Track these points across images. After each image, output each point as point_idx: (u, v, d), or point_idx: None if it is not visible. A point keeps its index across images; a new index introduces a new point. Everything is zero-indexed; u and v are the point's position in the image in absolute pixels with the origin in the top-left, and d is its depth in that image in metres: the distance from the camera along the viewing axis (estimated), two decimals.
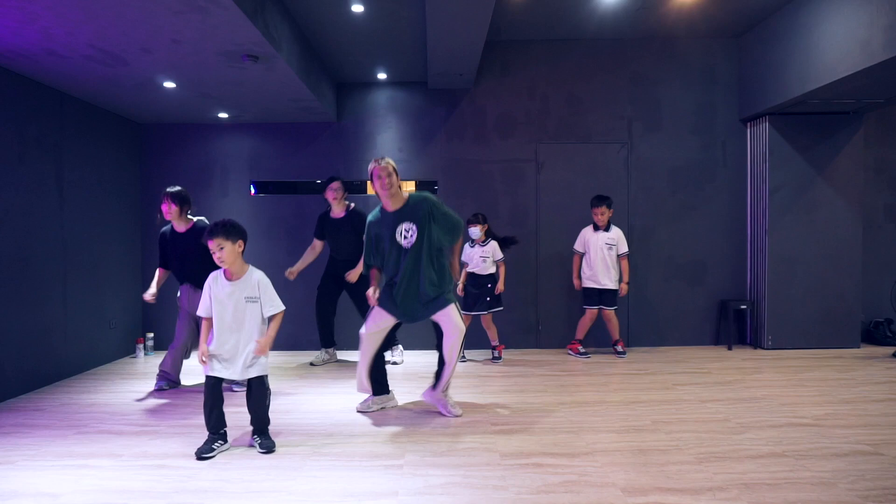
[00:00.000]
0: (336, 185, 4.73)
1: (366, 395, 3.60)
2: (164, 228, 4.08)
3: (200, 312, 2.90)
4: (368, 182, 5.79)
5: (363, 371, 3.53)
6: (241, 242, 2.86)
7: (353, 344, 5.49)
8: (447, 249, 3.53)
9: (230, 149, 5.67)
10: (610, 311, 5.06)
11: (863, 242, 5.40)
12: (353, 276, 4.61)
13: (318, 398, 3.86)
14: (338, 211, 4.79)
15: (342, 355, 5.34)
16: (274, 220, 5.61)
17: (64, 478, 2.58)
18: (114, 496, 2.39)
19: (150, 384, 4.20)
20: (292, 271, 4.71)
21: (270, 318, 2.93)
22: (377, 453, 2.84)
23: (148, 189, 5.59)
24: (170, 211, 3.91)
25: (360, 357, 3.53)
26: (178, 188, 3.96)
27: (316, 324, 5.01)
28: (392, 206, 3.39)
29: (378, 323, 3.46)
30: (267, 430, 2.99)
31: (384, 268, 3.48)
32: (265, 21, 3.57)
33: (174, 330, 4.14)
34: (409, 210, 3.38)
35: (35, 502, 2.35)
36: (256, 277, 2.90)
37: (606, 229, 5.03)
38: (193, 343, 4.06)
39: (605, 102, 5.56)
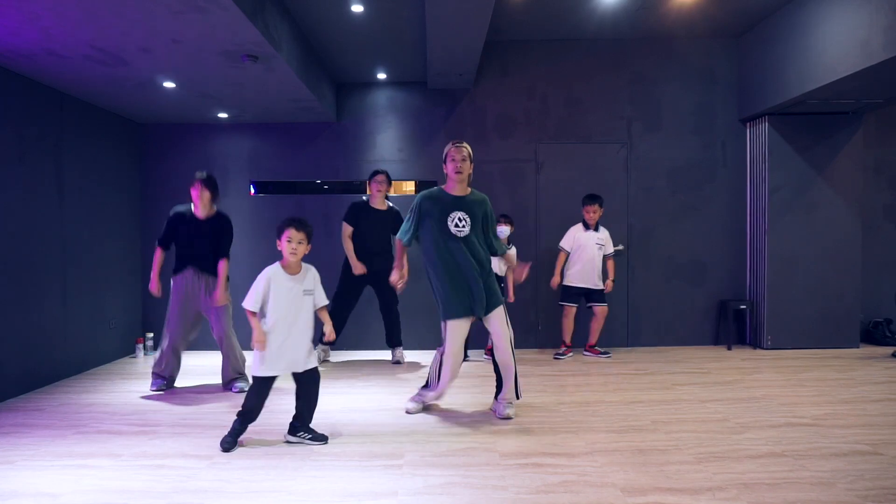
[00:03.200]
0: (381, 177, 4.80)
1: (416, 403, 3.56)
2: (181, 208, 4.01)
3: (247, 304, 2.90)
4: (367, 182, 5.85)
5: (445, 387, 3.49)
6: (310, 246, 2.99)
7: (357, 344, 5.54)
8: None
9: (230, 149, 5.67)
10: (602, 308, 5.06)
11: (862, 242, 5.41)
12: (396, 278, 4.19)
13: (318, 398, 3.85)
14: (379, 203, 4.84)
15: (343, 356, 5.35)
16: (274, 220, 5.52)
17: (64, 478, 2.58)
18: (113, 496, 2.39)
19: (150, 384, 4.18)
20: (358, 268, 4.75)
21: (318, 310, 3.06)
22: (377, 453, 2.84)
23: (148, 189, 5.59)
24: (201, 196, 3.91)
25: (443, 375, 3.42)
26: (208, 174, 3.98)
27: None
28: (456, 190, 3.38)
29: (458, 335, 3.36)
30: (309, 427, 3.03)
31: (437, 260, 3.34)
32: (265, 21, 3.57)
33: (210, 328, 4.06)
34: (470, 202, 3.37)
35: (35, 502, 2.35)
36: (312, 272, 3.02)
37: (596, 229, 5.06)
38: (184, 337, 4.03)
39: (605, 102, 5.56)
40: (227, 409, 3.56)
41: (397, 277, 3.52)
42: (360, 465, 2.69)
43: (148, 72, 4.11)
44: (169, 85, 4.42)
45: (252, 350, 2.93)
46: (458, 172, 3.31)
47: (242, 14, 3.16)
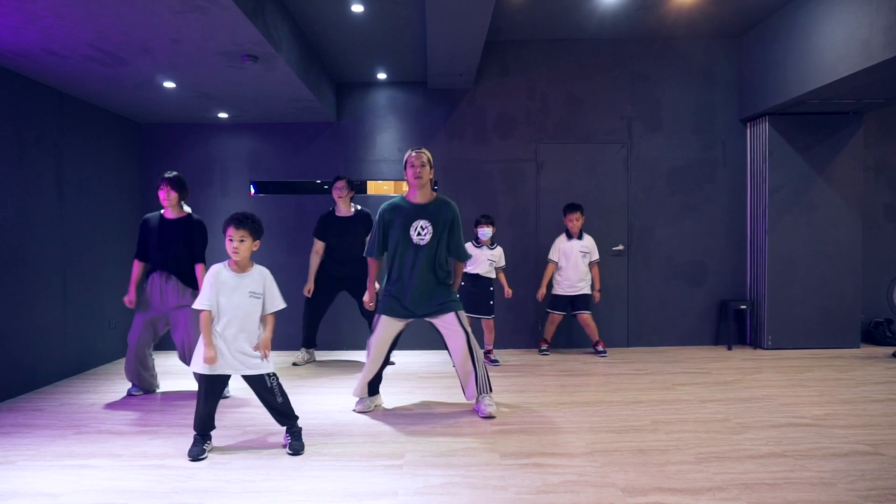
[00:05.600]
0: (341, 183, 4.79)
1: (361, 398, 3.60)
2: (149, 215, 3.94)
3: (200, 304, 2.80)
4: (369, 181, 5.86)
5: (367, 378, 3.54)
6: (258, 242, 2.88)
7: (355, 344, 5.54)
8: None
9: (230, 149, 5.67)
10: (586, 316, 5.13)
11: (863, 242, 5.41)
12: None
13: (318, 398, 3.86)
14: (344, 210, 4.84)
15: (343, 355, 5.35)
16: (274, 220, 5.61)
17: (64, 478, 2.58)
18: (114, 496, 2.39)
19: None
20: (309, 288, 4.80)
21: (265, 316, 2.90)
22: (377, 453, 2.84)
23: (148, 189, 5.59)
24: (167, 197, 3.80)
25: (367, 364, 3.52)
26: (175, 174, 3.85)
27: (302, 322, 4.99)
28: (418, 198, 3.42)
29: (386, 331, 3.46)
30: (294, 425, 2.93)
31: (390, 263, 3.46)
32: (265, 21, 3.57)
33: (171, 331, 3.93)
34: (432, 209, 3.40)
35: (35, 502, 2.35)
36: (262, 273, 2.89)
37: (579, 237, 5.12)
38: (144, 341, 3.87)
39: (605, 102, 5.56)
40: (227, 410, 3.56)
41: (370, 299, 3.57)
42: (360, 466, 2.68)
43: (148, 72, 4.11)
44: (169, 85, 4.42)
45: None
46: (418, 178, 3.36)
47: (242, 14, 3.16)
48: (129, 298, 3.85)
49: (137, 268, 3.91)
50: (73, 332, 4.59)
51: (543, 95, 5.56)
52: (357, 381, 3.62)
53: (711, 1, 4.72)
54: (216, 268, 2.85)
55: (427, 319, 3.47)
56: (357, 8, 4.11)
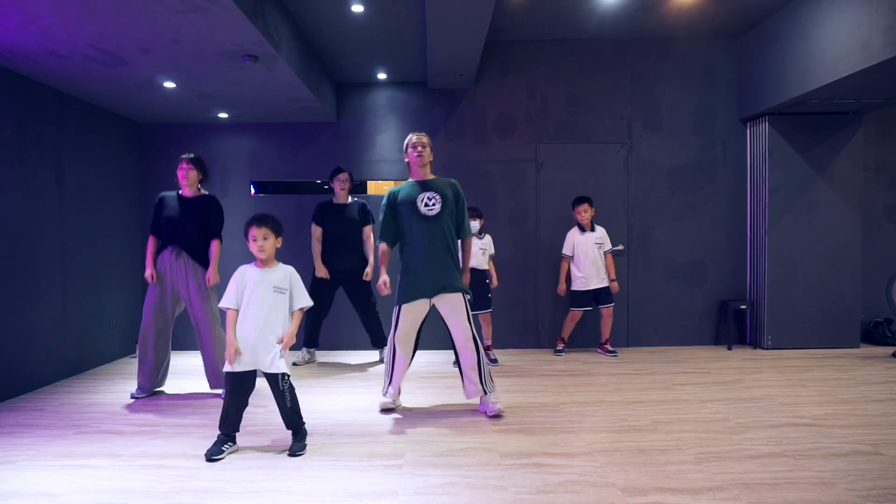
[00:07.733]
0: (344, 175, 4.87)
1: (388, 399, 3.57)
2: (165, 193, 3.95)
3: (225, 303, 2.84)
4: (369, 181, 5.86)
5: (400, 376, 3.53)
6: (280, 239, 2.92)
7: (354, 344, 5.54)
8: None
9: (230, 149, 5.67)
10: (609, 309, 5.11)
11: (862, 242, 5.41)
12: (370, 275, 4.80)
13: (318, 398, 3.86)
14: (343, 199, 4.91)
15: (343, 356, 5.35)
16: None
17: (64, 478, 2.58)
18: (114, 496, 2.39)
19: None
20: (324, 273, 4.81)
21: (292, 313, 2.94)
22: (377, 453, 2.84)
23: (148, 189, 5.59)
24: (187, 175, 3.82)
25: (395, 363, 3.50)
26: (194, 155, 3.90)
27: (305, 322, 4.97)
28: (420, 176, 3.50)
29: (408, 319, 3.45)
30: (300, 430, 2.93)
31: (403, 247, 3.47)
32: (265, 21, 3.57)
33: (186, 330, 3.83)
34: (436, 184, 3.48)
35: (35, 502, 2.35)
36: (288, 270, 2.92)
37: (592, 229, 5.11)
38: (157, 320, 3.85)
39: (605, 102, 5.56)
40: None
41: (383, 283, 3.44)
42: (360, 465, 2.69)
43: (148, 72, 4.11)
44: (169, 85, 4.42)
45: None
46: (420, 156, 3.46)
47: (242, 14, 3.17)
48: (150, 273, 3.85)
49: (152, 243, 3.92)
50: (73, 332, 4.59)
51: (543, 95, 5.56)
52: (392, 382, 3.55)
53: (711, 1, 4.73)
54: (242, 267, 2.90)
55: (436, 303, 3.42)
56: (357, 8, 4.11)
